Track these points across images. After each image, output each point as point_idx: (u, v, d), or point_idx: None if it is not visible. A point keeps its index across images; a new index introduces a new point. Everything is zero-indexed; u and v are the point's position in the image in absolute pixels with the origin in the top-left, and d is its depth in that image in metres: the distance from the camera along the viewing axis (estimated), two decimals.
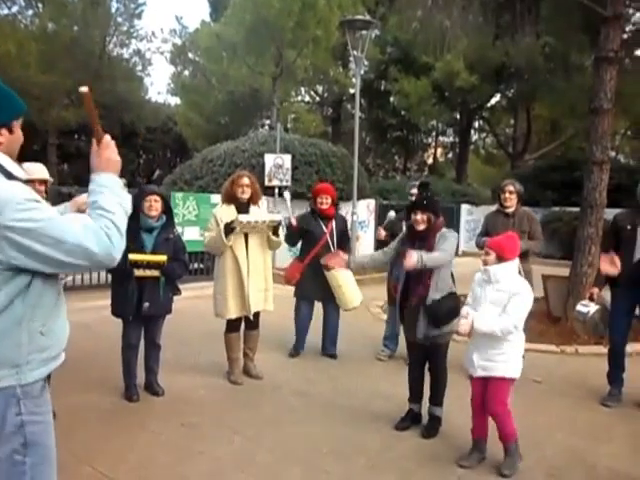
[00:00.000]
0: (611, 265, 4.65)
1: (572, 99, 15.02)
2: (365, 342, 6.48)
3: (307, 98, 27.80)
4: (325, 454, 3.79)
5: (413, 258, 3.72)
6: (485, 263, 3.60)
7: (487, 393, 3.61)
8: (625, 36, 10.16)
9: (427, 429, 4.13)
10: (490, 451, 3.72)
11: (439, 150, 34.41)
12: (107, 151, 1.91)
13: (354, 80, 14.01)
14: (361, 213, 12.94)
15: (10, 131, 1.86)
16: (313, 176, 12.01)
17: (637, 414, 4.56)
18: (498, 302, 3.53)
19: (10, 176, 1.78)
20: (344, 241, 6.02)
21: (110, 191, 1.84)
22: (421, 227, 3.97)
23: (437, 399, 4.18)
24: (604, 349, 5.78)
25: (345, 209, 11.65)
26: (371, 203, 14.25)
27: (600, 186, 7.47)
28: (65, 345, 1.96)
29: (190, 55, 24.93)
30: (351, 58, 15.65)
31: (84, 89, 1.86)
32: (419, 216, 3.95)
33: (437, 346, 4.10)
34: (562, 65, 13.97)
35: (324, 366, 5.73)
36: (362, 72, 12.60)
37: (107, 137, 1.94)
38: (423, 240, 3.96)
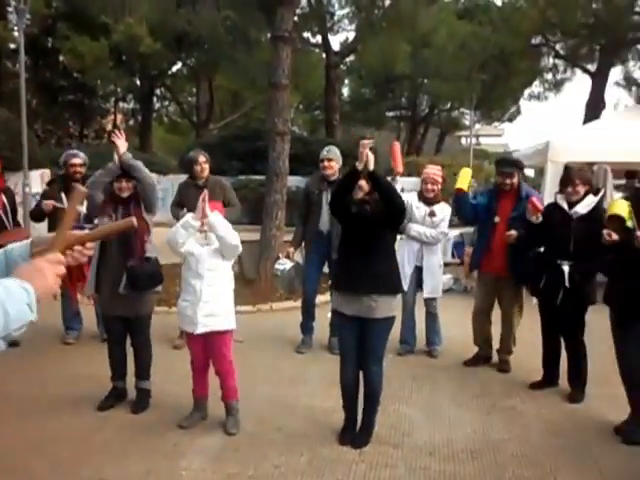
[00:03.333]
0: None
1: (252, 73, 15.89)
2: (48, 326, 5.85)
3: None
4: (23, 452, 3.42)
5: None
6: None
7: (213, 351, 3.70)
8: (296, 18, 11.15)
9: (136, 404, 4.06)
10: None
11: (119, 117, 32.91)
12: (52, 266, 1.38)
13: (15, 34, 12.46)
14: (34, 184, 11.61)
15: None
16: None
17: (326, 356, 5.22)
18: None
19: None
20: (15, 216, 5.47)
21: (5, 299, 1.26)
22: (125, 194, 4.00)
23: (143, 372, 4.11)
24: (294, 303, 6.43)
25: (14, 180, 10.33)
26: (46, 173, 12.96)
27: (283, 155, 8.13)
28: None
29: None
30: (10, 9, 13.80)
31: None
32: (124, 184, 3.97)
33: (139, 318, 4.04)
34: (243, 39, 14.64)
35: (7, 357, 5.07)
36: (24, 26, 11.20)
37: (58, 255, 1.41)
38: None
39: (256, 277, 7.80)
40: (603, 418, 4.04)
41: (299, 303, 5.82)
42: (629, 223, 3.47)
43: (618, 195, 8.03)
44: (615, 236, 3.59)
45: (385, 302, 3.47)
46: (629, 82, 22.04)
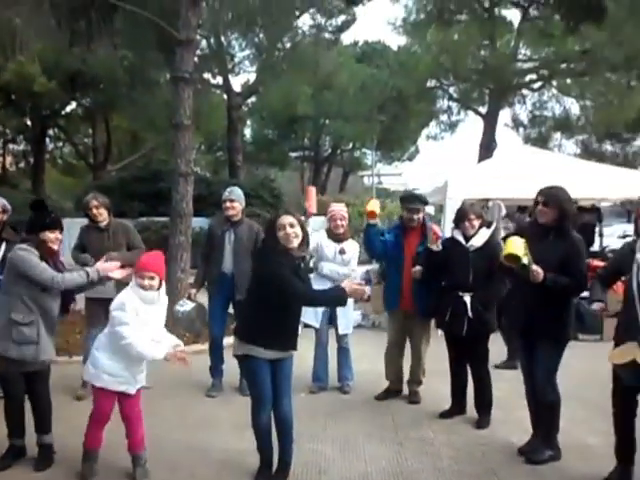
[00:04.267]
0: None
1: (152, 113, 15.67)
2: None
3: None
4: None
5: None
6: (151, 287, 3.53)
7: (128, 402, 3.59)
8: (196, 59, 11.17)
9: (39, 460, 3.77)
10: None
11: (9, 159, 31.16)
12: None
13: None
14: None
15: None
16: None
17: (238, 398, 5.08)
18: (162, 320, 3.69)
19: None
20: None
21: None
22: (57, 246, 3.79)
23: (44, 427, 3.83)
24: (202, 346, 6.25)
25: None
26: None
27: (187, 197, 8.02)
28: None
29: None
30: None
31: None
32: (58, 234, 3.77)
33: (41, 371, 3.79)
34: (141, 79, 14.43)
35: None
36: None
37: None
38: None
39: None
40: (507, 441, 4.20)
41: (207, 346, 5.67)
42: (525, 260, 3.63)
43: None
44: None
45: None
46: (516, 124, 23.85)
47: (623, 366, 3.28)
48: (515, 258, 3.62)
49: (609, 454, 3.62)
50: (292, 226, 3.36)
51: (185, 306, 5.23)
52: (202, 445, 4.12)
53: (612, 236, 11.62)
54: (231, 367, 5.34)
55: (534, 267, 3.63)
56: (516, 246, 3.65)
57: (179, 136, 8.09)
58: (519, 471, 3.75)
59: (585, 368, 5.52)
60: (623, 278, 3.58)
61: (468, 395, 4.72)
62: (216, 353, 5.40)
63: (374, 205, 5.01)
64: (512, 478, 3.65)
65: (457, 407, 4.73)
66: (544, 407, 3.89)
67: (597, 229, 10.44)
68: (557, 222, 3.79)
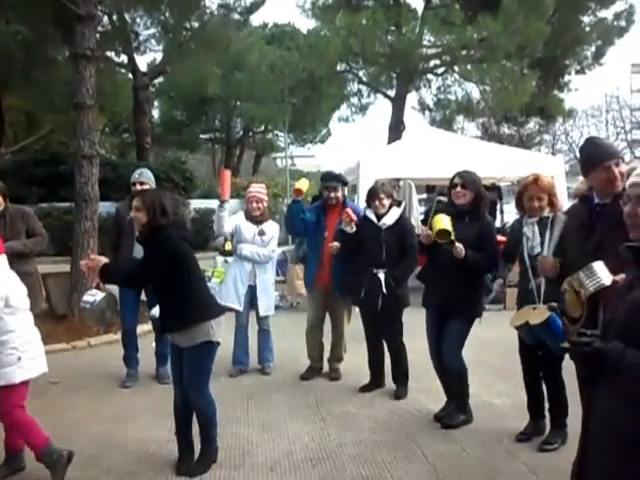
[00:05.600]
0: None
1: (51, 92, 14.79)
2: None
3: None
4: None
5: None
6: None
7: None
8: (98, 36, 10.59)
9: None
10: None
11: None
12: None
13: None
14: None
15: None
16: None
17: (156, 386, 4.98)
18: None
19: None
20: None
21: None
22: None
23: None
24: (115, 336, 6.05)
25: None
26: None
27: (92, 180, 7.64)
28: None
29: None
30: None
31: None
32: None
33: None
34: (38, 56, 13.55)
35: None
36: None
37: None
38: None
39: (68, 312, 7.19)
40: (424, 409, 4.40)
41: (120, 336, 5.47)
42: (453, 235, 3.79)
43: (421, 209, 8.86)
44: (430, 238, 3.94)
45: (190, 332, 3.35)
46: (423, 107, 24.49)
47: (520, 328, 3.57)
48: (446, 233, 3.78)
49: (514, 413, 3.90)
50: (137, 210, 3.35)
51: (94, 296, 4.96)
52: (118, 438, 3.97)
53: (511, 213, 12.25)
54: (147, 355, 5.25)
55: (457, 244, 3.79)
56: (445, 222, 3.81)
57: (82, 116, 7.68)
58: (435, 435, 3.93)
59: (489, 336, 5.76)
60: None
61: (385, 368, 4.87)
62: (129, 342, 5.23)
63: (303, 184, 5.06)
64: (429, 443, 3.81)
65: (376, 381, 4.86)
66: (452, 377, 4.11)
67: (498, 206, 10.99)
68: (473, 204, 3.99)
